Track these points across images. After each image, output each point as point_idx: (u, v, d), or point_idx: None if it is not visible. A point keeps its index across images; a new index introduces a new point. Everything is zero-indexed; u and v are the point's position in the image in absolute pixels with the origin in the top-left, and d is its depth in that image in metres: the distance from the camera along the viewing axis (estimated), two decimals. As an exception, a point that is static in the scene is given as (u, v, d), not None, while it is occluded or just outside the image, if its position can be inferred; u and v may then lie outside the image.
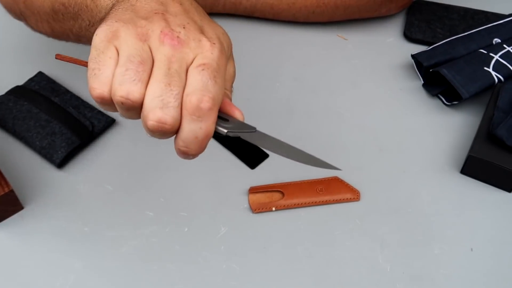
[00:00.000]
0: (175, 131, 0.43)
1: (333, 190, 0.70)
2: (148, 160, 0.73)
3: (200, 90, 0.42)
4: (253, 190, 0.69)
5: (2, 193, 0.64)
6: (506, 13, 0.90)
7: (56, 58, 0.50)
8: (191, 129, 0.42)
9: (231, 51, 0.49)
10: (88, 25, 0.55)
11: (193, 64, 0.43)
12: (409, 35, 0.88)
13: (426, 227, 0.67)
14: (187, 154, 0.44)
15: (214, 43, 0.44)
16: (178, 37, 0.43)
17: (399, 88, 0.83)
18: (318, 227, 0.67)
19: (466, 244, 0.66)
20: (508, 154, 0.69)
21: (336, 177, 0.71)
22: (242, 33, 0.89)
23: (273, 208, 0.68)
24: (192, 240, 0.66)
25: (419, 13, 0.91)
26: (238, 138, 0.46)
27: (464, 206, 0.70)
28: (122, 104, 0.42)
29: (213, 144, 0.74)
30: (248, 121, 0.47)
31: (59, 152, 0.71)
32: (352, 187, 0.70)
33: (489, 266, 0.64)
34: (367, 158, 0.74)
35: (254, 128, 0.47)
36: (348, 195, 0.70)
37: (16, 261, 0.64)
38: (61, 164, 0.71)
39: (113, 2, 0.50)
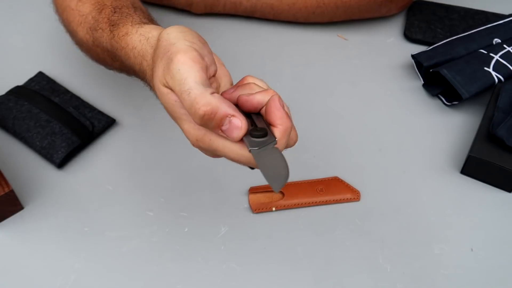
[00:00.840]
0: None
1: (333, 190, 0.70)
2: (148, 160, 0.73)
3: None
4: (253, 190, 0.69)
5: (2, 193, 0.64)
6: (506, 13, 0.90)
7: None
8: None
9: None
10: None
11: None
12: (409, 35, 0.88)
13: (426, 227, 0.67)
14: None
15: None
16: None
17: (399, 88, 0.83)
18: (318, 227, 0.67)
19: (466, 244, 0.66)
20: (508, 154, 0.69)
21: (336, 177, 0.71)
22: (242, 33, 0.89)
23: (273, 208, 0.68)
24: (192, 240, 0.66)
25: (419, 13, 0.91)
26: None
27: (464, 206, 0.70)
28: None
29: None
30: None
31: (59, 152, 0.71)
32: (352, 187, 0.70)
33: (489, 266, 0.64)
34: (367, 158, 0.74)
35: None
36: (348, 195, 0.70)
37: (16, 261, 0.64)
38: (61, 164, 0.71)
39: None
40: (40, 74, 0.80)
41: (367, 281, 0.63)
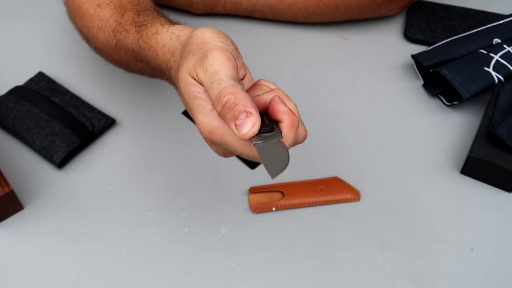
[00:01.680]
0: None
1: (333, 190, 0.70)
2: (148, 160, 0.73)
3: None
4: (253, 190, 0.69)
5: (2, 193, 0.64)
6: (506, 13, 0.90)
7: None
8: None
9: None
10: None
11: None
12: (409, 35, 0.88)
13: (426, 227, 0.67)
14: None
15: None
16: None
17: (399, 88, 0.83)
18: (318, 227, 0.67)
19: (466, 244, 0.66)
20: (508, 154, 0.69)
21: (336, 177, 0.71)
22: (242, 33, 0.89)
23: (273, 208, 0.68)
24: (192, 240, 0.66)
25: (420, 13, 0.91)
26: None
27: (464, 206, 0.70)
28: None
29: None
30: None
31: (59, 152, 0.71)
32: (352, 187, 0.70)
33: (489, 266, 0.64)
34: (367, 158, 0.74)
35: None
36: (348, 195, 0.70)
37: (16, 261, 0.64)
38: (61, 164, 0.71)
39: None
40: (40, 74, 0.80)
41: (367, 281, 0.63)
